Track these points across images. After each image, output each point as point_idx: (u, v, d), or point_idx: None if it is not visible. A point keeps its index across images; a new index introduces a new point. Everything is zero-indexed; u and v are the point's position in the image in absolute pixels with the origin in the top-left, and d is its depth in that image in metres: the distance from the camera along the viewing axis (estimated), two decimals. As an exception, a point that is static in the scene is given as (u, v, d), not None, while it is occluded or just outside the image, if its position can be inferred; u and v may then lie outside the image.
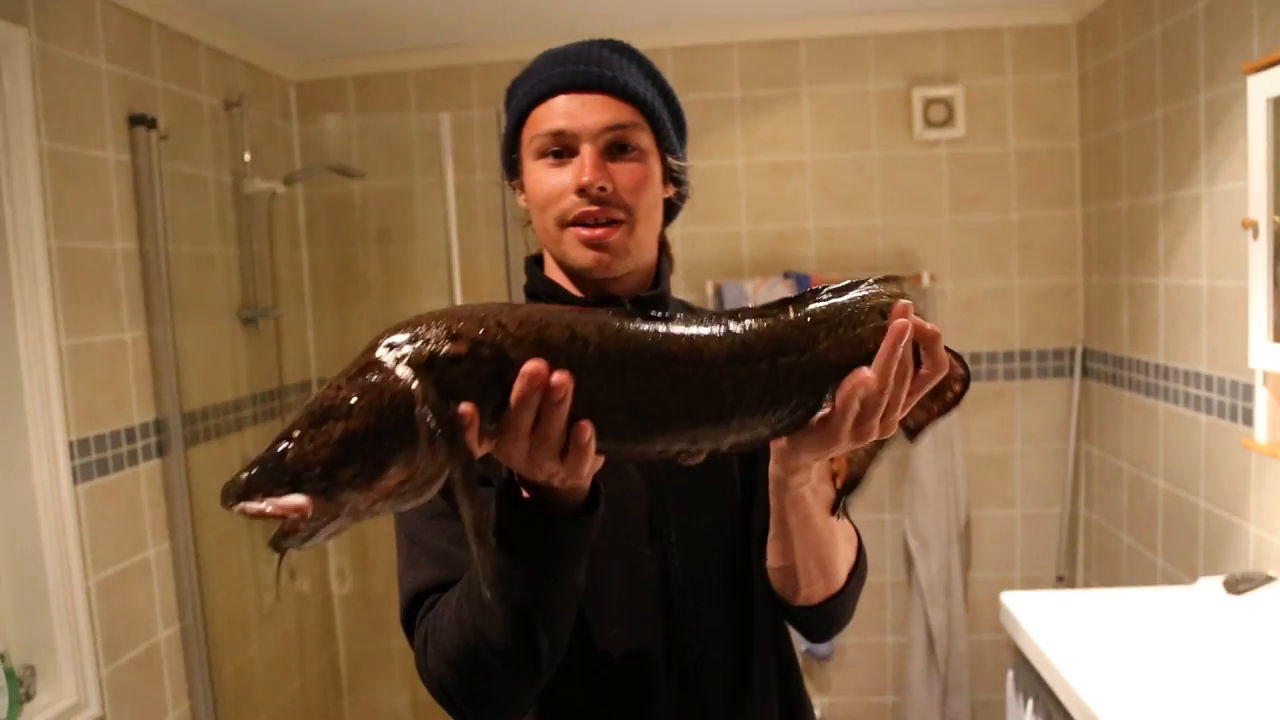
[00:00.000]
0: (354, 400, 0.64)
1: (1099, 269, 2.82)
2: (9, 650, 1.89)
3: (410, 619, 0.94)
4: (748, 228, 3.01)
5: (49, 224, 1.94)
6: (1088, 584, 2.95)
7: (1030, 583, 3.02)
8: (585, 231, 0.95)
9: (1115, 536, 2.74)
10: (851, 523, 1.01)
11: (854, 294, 0.76)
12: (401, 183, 3.02)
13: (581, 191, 0.93)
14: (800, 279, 2.88)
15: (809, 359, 0.73)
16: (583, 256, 0.96)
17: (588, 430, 0.69)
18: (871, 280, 0.77)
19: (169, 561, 2.31)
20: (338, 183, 2.99)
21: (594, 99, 0.96)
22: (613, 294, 1.00)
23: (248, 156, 2.65)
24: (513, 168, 1.03)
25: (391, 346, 0.67)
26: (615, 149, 0.96)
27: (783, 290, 2.88)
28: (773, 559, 0.99)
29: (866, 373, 0.73)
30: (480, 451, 0.69)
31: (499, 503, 0.81)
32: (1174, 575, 2.36)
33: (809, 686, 3.23)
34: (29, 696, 1.93)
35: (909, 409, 0.79)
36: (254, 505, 0.63)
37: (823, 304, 0.75)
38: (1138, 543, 2.58)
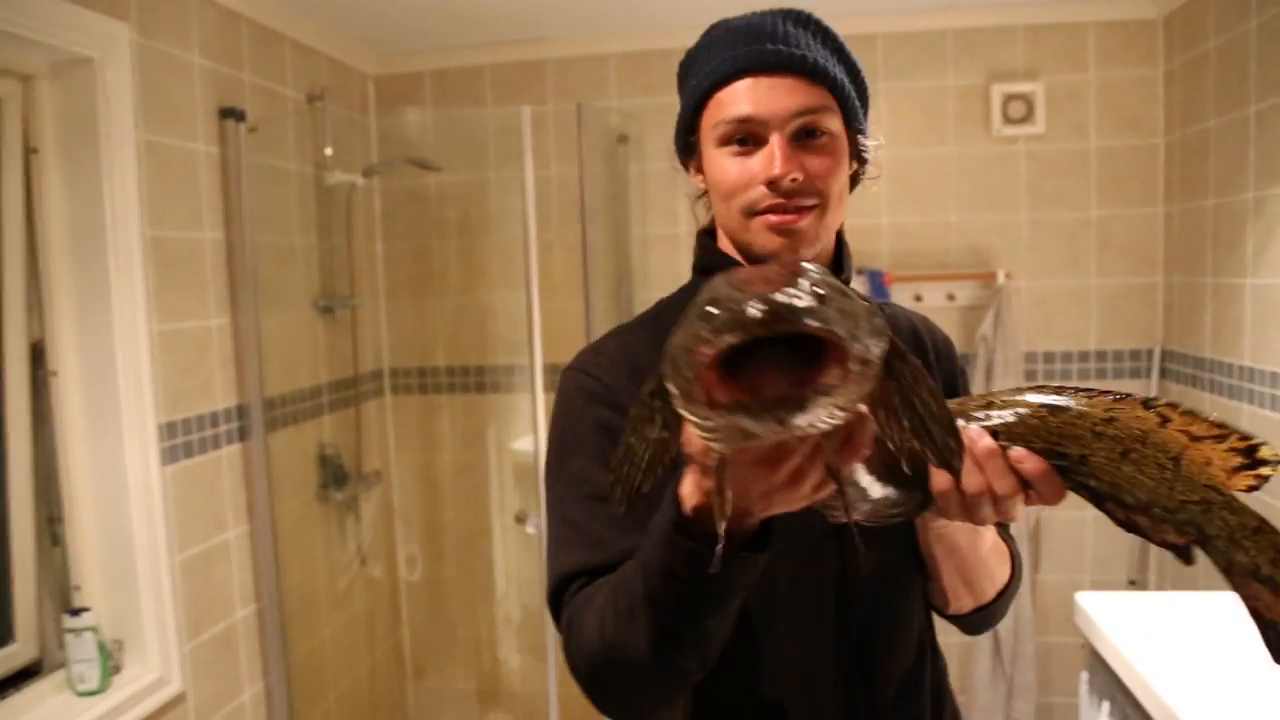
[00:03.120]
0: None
1: (1181, 268, 2.75)
2: (101, 624, 1.96)
3: (557, 600, 0.92)
4: (819, 224, 2.99)
5: (144, 213, 2.00)
6: (1160, 589, 2.89)
7: (1100, 586, 2.96)
8: (775, 218, 0.92)
9: (1194, 543, 2.67)
10: (1009, 540, 1.04)
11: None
12: (478, 176, 3.06)
13: (772, 183, 0.91)
14: (873, 275, 2.86)
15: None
16: (771, 242, 0.93)
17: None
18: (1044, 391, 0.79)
19: (248, 543, 2.38)
20: (415, 175, 3.04)
21: (783, 82, 0.91)
22: None
23: (329, 150, 2.70)
24: (688, 149, 1.00)
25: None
26: (804, 134, 0.92)
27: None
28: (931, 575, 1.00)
29: (948, 499, 0.79)
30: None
31: (663, 521, 0.76)
32: (1257, 584, 2.30)
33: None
34: (117, 669, 2.00)
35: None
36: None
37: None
38: (1218, 550, 2.52)
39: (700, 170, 0.99)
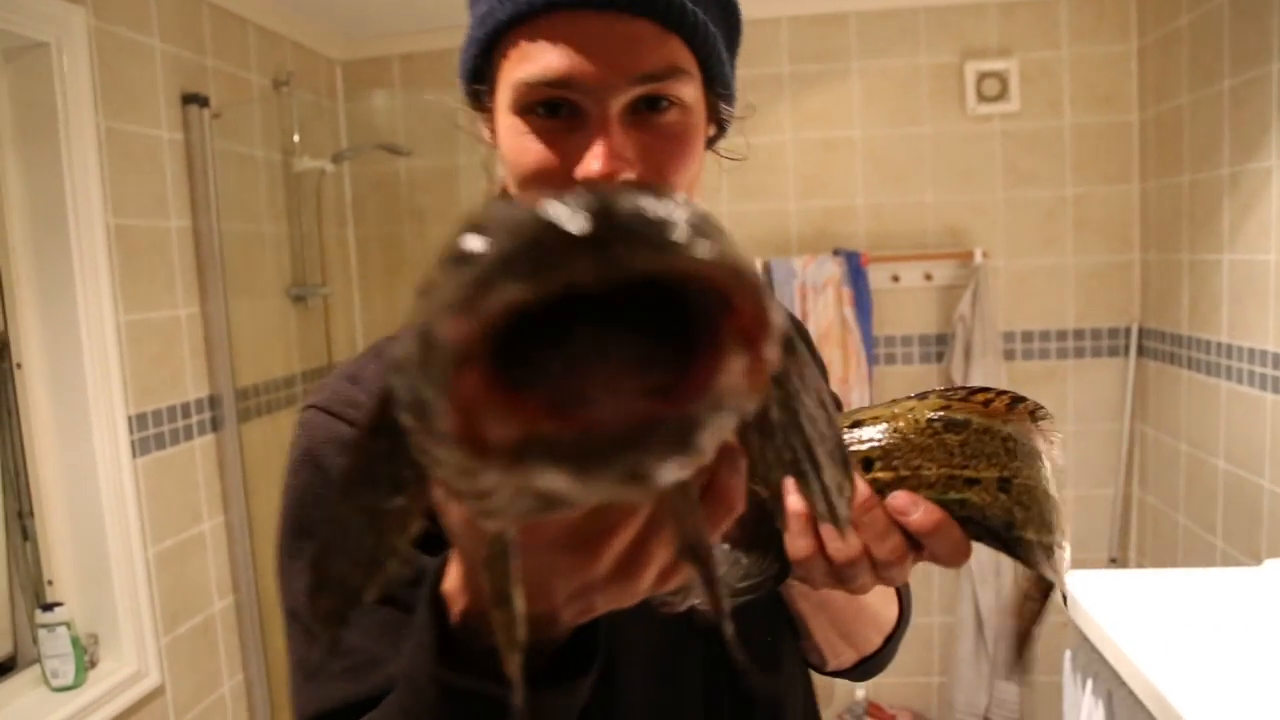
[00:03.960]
0: None
1: (1157, 246, 2.76)
2: (74, 619, 1.93)
3: None
4: (796, 205, 2.97)
5: (107, 201, 1.96)
6: (1141, 566, 2.91)
7: (1081, 564, 2.97)
8: None
9: (1171, 518, 2.69)
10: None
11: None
12: (448, 161, 3.03)
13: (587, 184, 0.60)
14: (850, 256, 2.85)
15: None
16: None
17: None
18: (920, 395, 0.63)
19: (224, 535, 2.35)
20: (385, 161, 3.00)
21: (620, 28, 0.62)
22: None
23: (296, 136, 2.66)
24: (477, 96, 0.72)
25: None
26: (644, 105, 0.64)
27: (832, 267, 2.84)
28: (804, 634, 0.79)
29: (810, 565, 0.59)
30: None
31: (420, 643, 0.49)
32: (1234, 558, 2.32)
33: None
34: (93, 664, 1.98)
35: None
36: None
37: None
38: (1195, 525, 2.53)
39: (493, 122, 0.70)
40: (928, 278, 2.94)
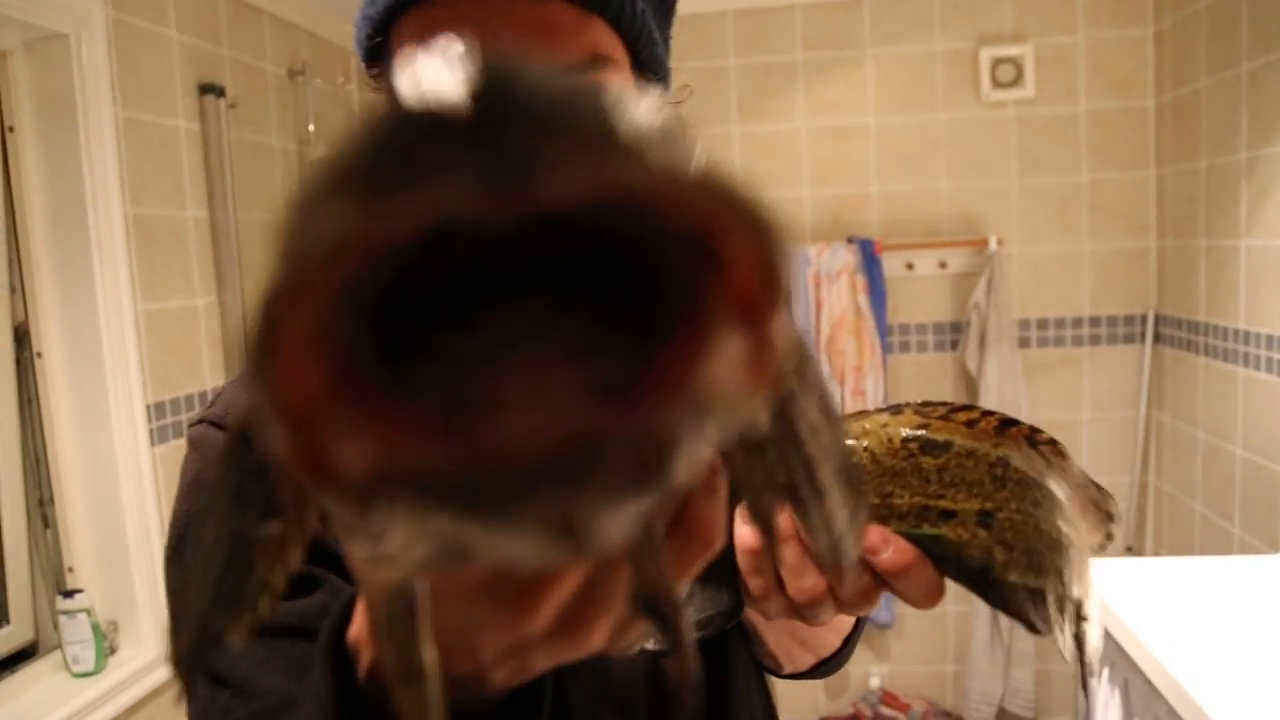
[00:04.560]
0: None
1: (1174, 232, 2.74)
2: (94, 606, 1.95)
3: None
4: (809, 192, 2.97)
5: (125, 191, 1.98)
6: (1157, 554, 2.90)
7: (1097, 553, 2.96)
8: None
9: (1187, 506, 2.68)
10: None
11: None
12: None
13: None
14: (864, 244, 2.84)
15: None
16: None
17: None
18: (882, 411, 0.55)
19: (241, 523, 2.36)
20: (399, 151, 3.01)
21: (534, 13, 0.55)
22: None
23: (311, 126, 2.67)
24: (373, 61, 0.65)
25: None
26: None
27: (846, 255, 2.84)
28: (761, 641, 0.73)
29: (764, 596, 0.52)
30: None
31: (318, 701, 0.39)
32: (1252, 545, 2.31)
33: (869, 655, 3.22)
34: (113, 650, 1.99)
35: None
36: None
37: None
38: (1212, 512, 2.52)
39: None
40: (942, 265, 2.93)
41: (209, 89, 2.24)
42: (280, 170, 2.64)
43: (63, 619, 1.91)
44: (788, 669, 0.76)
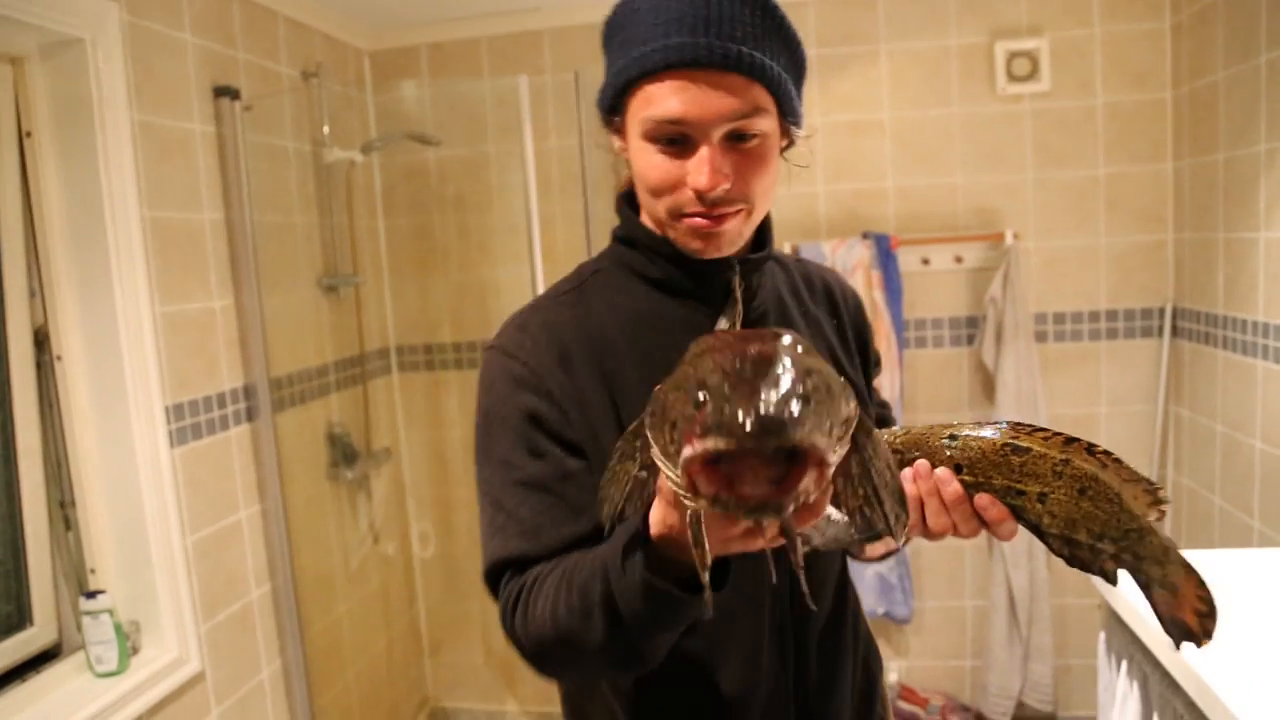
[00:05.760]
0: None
1: (1191, 225, 2.72)
2: (116, 606, 1.97)
3: (494, 582, 0.95)
4: (825, 188, 2.96)
5: (142, 194, 1.99)
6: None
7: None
8: (700, 222, 0.92)
9: (1207, 499, 2.66)
10: None
11: (940, 434, 0.87)
12: (477, 150, 3.04)
13: (699, 193, 0.90)
14: (880, 238, 2.83)
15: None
16: (692, 243, 0.95)
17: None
18: (989, 426, 0.86)
19: (260, 523, 2.38)
20: (414, 151, 3.02)
21: (719, 81, 0.86)
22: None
23: (326, 128, 2.68)
24: (611, 119, 0.97)
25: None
26: (735, 137, 0.90)
27: (861, 251, 2.83)
28: None
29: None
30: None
31: (628, 541, 0.80)
32: (1271, 538, 2.29)
33: (886, 650, 3.21)
34: (135, 650, 2.01)
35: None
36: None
37: (906, 437, 0.88)
38: (1231, 506, 2.51)
39: (623, 138, 0.97)
40: (958, 260, 2.92)
41: (224, 91, 2.25)
42: (295, 172, 2.65)
43: (85, 620, 1.93)
44: (866, 555, 1.09)
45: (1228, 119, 2.45)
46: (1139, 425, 2.92)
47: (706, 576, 0.69)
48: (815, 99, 2.93)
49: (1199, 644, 0.91)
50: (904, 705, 2.99)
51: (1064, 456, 0.82)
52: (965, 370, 2.98)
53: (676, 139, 0.89)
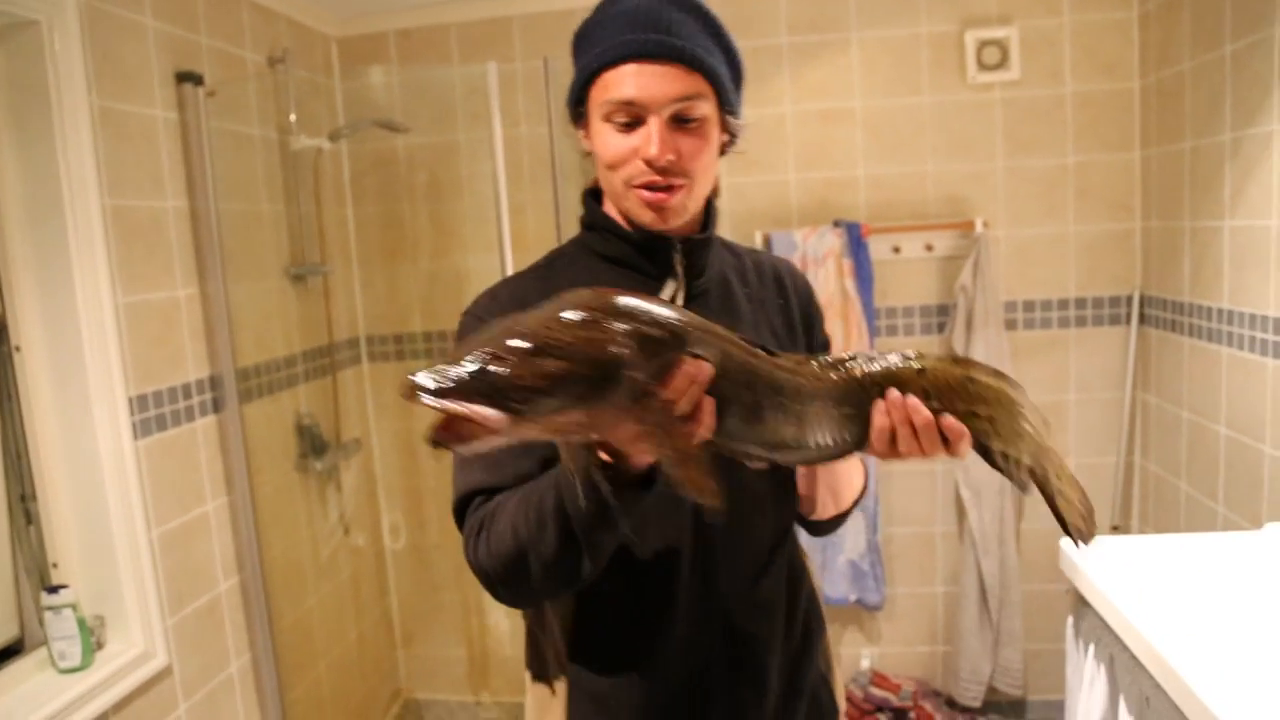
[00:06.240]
0: (574, 346, 0.75)
1: (1158, 213, 2.74)
2: (80, 600, 1.93)
3: (460, 512, 1.08)
4: (796, 176, 2.96)
5: (102, 182, 1.95)
6: (1143, 533, 2.91)
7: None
8: (649, 194, 1.06)
9: (1173, 485, 2.69)
10: (864, 460, 1.21)
11: (911, 366, 0.95)
12: (446, 137, 3.01)
13: (648, 161, 1.04)
14: (850, 227, 2.83)
15: (861, 414, 0.94)
16: (644, 215, 1.09)
17: (710, 413, 0.83)
18: (942, 357, 0.97)
19: (227, 515, 2.35)
20: (383, 138, 2.99)
21: (664, 70, 1.03)
22: (664, 235, 1.11)
23: (293, 115, 2.65)
24: (578, 115, 1.12)
25: (618, 312, 0.79)
26: (680, 118, 1.04)
27: (833, 239, 2.83)
28: (800, 487, 1.20)
29: (880, 447, 0.95)
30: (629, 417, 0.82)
31: (581, 465, 0.90)
32: (1235, 523, 2.32)
33: (858, 636, 3.23)
34: (100, 645, 1.98)
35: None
36: (453, 405, 0.72)
37: (881, 370, 0.94)
38: (1197, 491, 2.54)
39: (588, 135, 1.11)
40: (929, 248, 2.93)
41: (187, 77, 2.21)
42: (261, 160, 2.61)
43: (48, 615, 1.89)
44: (816, 513, 1.21)
45: (1194, 108, 2.47)
46: (1107, 412, 2.95)
47: (595, 482, 0.87)
48: (786, 87, 2.93)
49: (1088, 543, 1.07)
50: (876, 691, 3.01)
51: (999, 385, 0.98)
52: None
53: (630, 119, 1.04)
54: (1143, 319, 2.86)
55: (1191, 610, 1.56)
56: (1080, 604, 1.81)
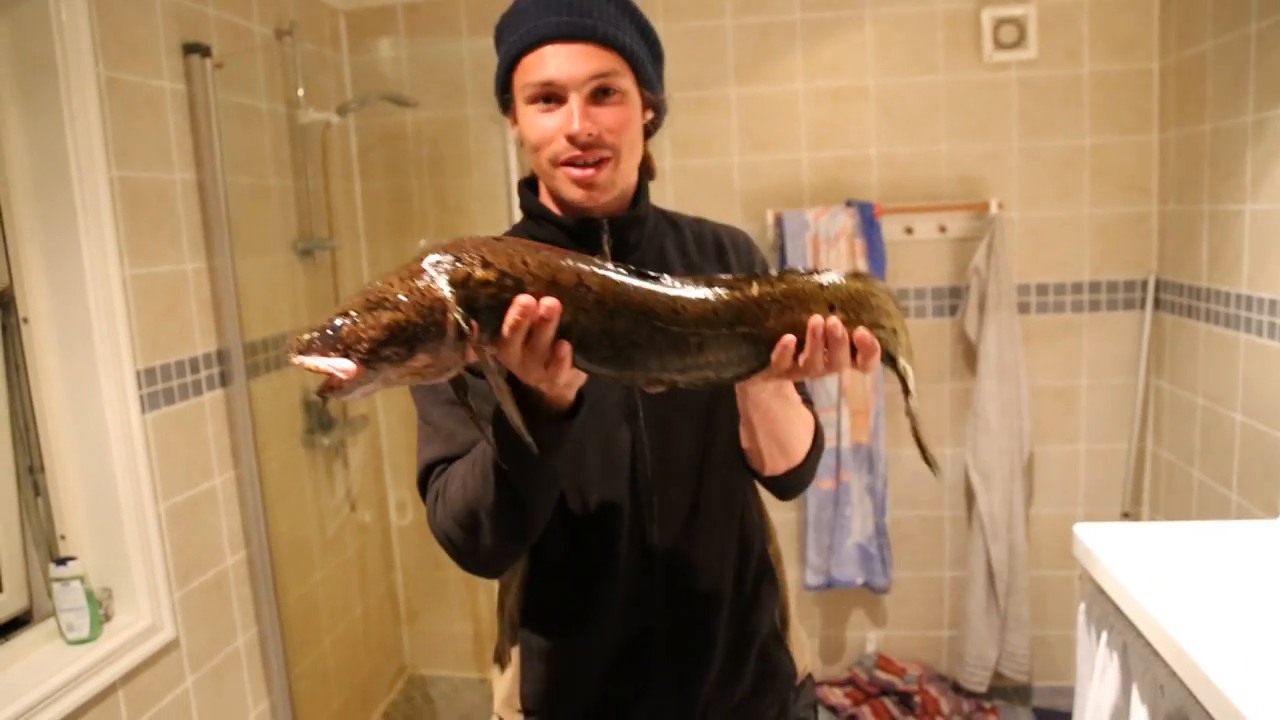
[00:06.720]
0: (402, 297, 0.82)
1: (1176, 197, 2.71)
2: (88, 573, 1.93)
3: (423, 484, 1.13)
4: (808, 155, 2.93)
5: (109, 153, 1.93)
6: (1154, 520, 2.89)
7: (1094, 518, 2.96)
8: (576, 171, 1.09)
9: (1186, 472, 2.67)
10: (814, 414, 1.22)
11: (814, 280, 0.95)
12: (455, 112, 2.98)
13: (571, 138, 1.06)
14: (863, 207, 2.81)
15: (758, 331, 0.93)
16: (573, 192, 1.10)
17: (565, 348, 0.86)
18: (842, 273, 0.97)
19: (234, 490, 2.35)
20: (391, 113, 2.96)
21: (580, 49, 1.06)
22: (592, 215, 1.14)
23: (301, 89, 2.62)
24: (505, 103, 1.16)
25: (438, 263, 0.84)
26: (599, 93, 1.08)
27: (845, 219, 2.81)
28: (743, 441, 1.18)
29: (783, 364, 0.94)
30: (487, 355, 0.86)
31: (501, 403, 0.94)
32: (1249, 511, 2.30)
33: (864, 620, 3.22)
34: (108, 617, 1.99)
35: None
36: (311, 361, 0.80)
37: (781, 288, 0.94)
38: (1210, 478, 2.52)
39: (516, 121, 1.15)
40: (942, 229, 2.90)
41: (194, 49, 2.19)
42: (269, 133, 2.59)
43: (56, 586, 1.90)
44: (768, 468, 1.19)
45: (1215, 89, 2.43)
46: (1120, 397, 2.93)
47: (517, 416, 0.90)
48: (799, 64, 2.89)
49: (939, 473, 1.11)
50: (881, 675, 3.01)
51: (894, 299, 1.04)
52: (947, 340, 2.97)
53: (551, 98, 1.08)
54: (1158, 304, 2.83)
55: (1206, 599, 1.55)
56: (1093, 591, 1.79)
